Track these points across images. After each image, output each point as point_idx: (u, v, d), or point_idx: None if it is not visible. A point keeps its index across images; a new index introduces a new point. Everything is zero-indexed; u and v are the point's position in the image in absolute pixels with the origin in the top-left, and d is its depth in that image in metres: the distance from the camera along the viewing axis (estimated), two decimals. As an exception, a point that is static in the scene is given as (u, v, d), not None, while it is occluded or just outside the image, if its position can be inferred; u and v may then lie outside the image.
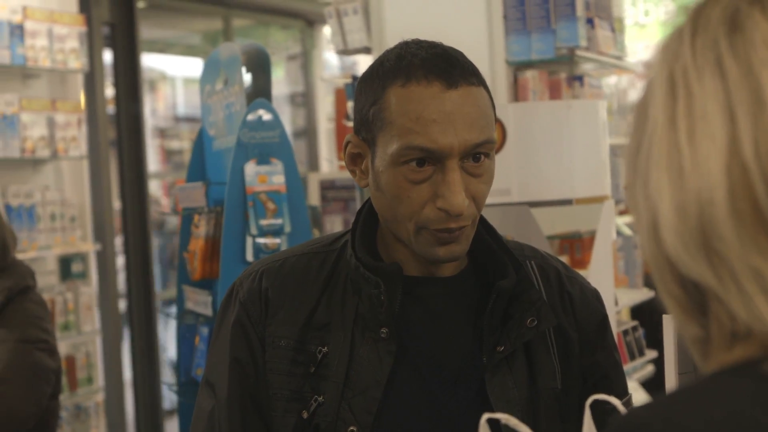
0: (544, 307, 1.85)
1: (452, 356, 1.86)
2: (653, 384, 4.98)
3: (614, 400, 1.56)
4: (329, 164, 8.22)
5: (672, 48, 0.97)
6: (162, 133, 9.88)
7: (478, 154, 1.78)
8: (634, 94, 6.26)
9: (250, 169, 3.50)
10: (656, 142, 0.95)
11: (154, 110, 9.78)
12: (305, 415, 1.82)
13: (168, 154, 9.85)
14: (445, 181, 1.76)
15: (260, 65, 3.78)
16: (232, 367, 1.88)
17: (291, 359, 1.85)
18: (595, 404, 1.89)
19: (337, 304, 1.87)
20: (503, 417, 1.31)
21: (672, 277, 0.96)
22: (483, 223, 1.91)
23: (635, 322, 4.43)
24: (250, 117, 3.51)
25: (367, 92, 1.83)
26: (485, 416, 1.32)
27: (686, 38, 0.96)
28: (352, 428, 1.81)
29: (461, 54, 1.83)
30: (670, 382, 1.73)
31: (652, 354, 4.52)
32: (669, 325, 1.73)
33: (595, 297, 1.99)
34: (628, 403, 1.91)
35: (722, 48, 0.93)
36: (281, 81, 9.46)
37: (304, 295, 1.88)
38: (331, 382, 1.83)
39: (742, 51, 0.93)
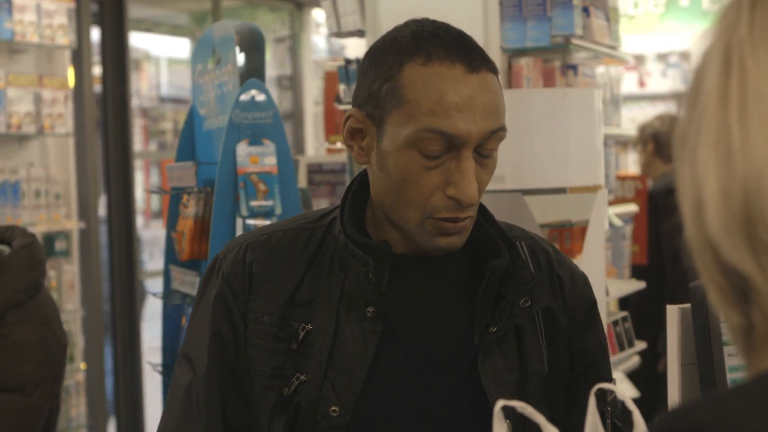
0: (537, 288, 1.82)
1: (441, 337, 1.82)
2: (638, 375, 4.98)
3: (619, 389, 1.55)
4: (316, 148, 8.19)
5: (730, 18, 0.91)
6: (145, 113, 9.84)
7: (488, 150, 1.75)
8: (626, 85, 6.26)
9: (242, 149, 3.47)
10: (706, 118, 0.89)
11: (137, 90, 9.72)
12: (286, 392, 1.78)
13: (150, 134, 9.81)
14: (459, 170, 1.72)
15: (254, 45, 3.75)
16: (213, 341, 1.83)
17: (274, 336, 1.81)
18: (583, 389, 1.88)
19: (322, 281, 1.83)
20: (519, 405, 1.28)
21: (714, 262, 0.91)
22: None
23: (625, 313, 4.42)
24: (243, 97, 3.48)
25: (380, 67, 1.77)
26: (500, 403, 1.29)
27: (745, 8, 0.90)
28: (333, 408, 1.77)
29: (473, 39, 1.80)
30: (673, 373, 1.72)
31: (641, 345, 4.51)
32: (673, 316, 1.72)
33: (584, 281, 1.97)
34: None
35: None
36: (268, 63, 9.40)
37: (289, 271, 1.84)
38: (314, 361, 1.79)
39: None
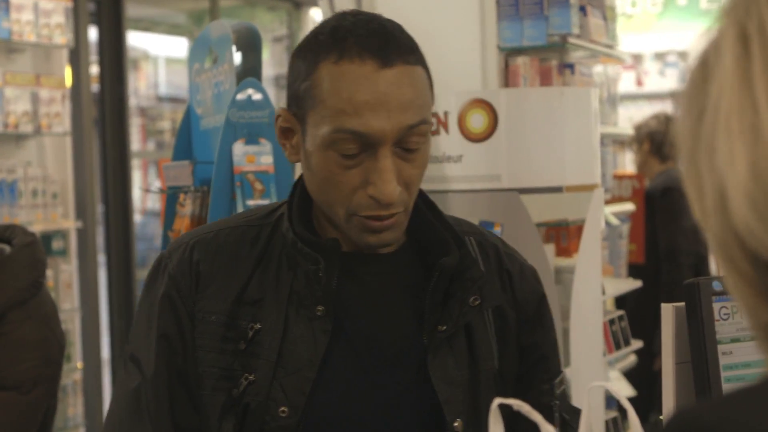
0: (486, 286, 1.81)
1: (391, 336, 1.81)
2: (635, 374, 4.98)
3: (611, 387, 1.55)
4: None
5: (742, 4, 0.89)
6: (143, 112, 9.83)
7: (412, 144, 1.72)
8: (622, 84, 6.26)
9: (239, 148, 3.47)
10: (725, 106, 0.87)
11: (135, 89, 9.72)
12: (235, 393, 1.76)
13: (149, 134, 9.80)
14: (376, 169, 1.70)
15: (251, 44, 3.75)
16: (160, 342, 1.80)
17: (222, 336, 1.78)
18: (533, 383, 1.88)
19: (270, 280, 1.80)
20: (515, 403, 1.28)
21: (742, 254, 0.87)
22: (423, 198, 1.86)
23: (621, 312, 4.42)
24: (240, 96, 3.48)
25: (300, 66, 1.75)
26: (497, 401, 1.29)
27: None
28: (282, 409, 1.74)
29: (400, 29, 1.76)
30: (668, 372, 1.72)
31: (637, 344, 4.51)
32: (668, 315, 1.72)
33: (533, 275, 1.95)
34: (561, 382, 1.91)
35: None
36: (266, 63, 9.40)
37: (236, 269, 1.81)
38: (263, 361, 1.76)
39: None
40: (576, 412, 1.87)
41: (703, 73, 0.91)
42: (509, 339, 1.87)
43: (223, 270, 1.81)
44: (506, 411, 1.79)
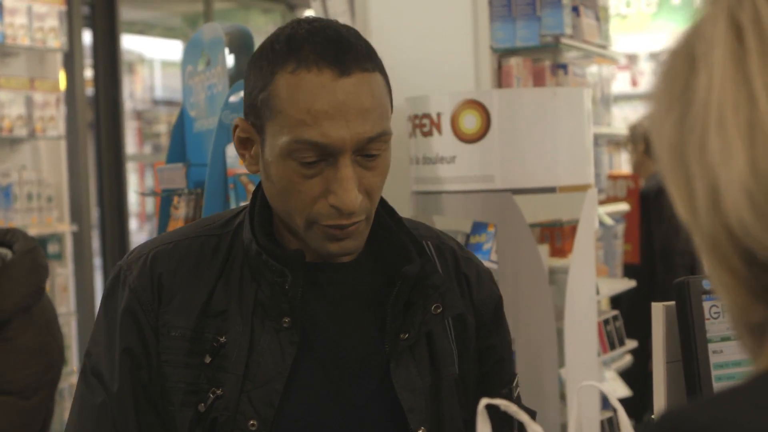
0: (448, 293, 1.80)
1: (355, 345, 1.79)
2: (630, 374, 4.98)
3: (602, 386, 1.55)
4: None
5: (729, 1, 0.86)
6: (139, 115, 9.83)
7: (373, 151, 1.70)
8: (617, 84, 6.26)
9: (232, 150, 3.47)
10: (717, 100, 0.84)
11: (131, 93, 9.72)
12: (202, 408, 1.74)
13: (145, 137, 9.80)
14: (337, 178, 1.68)
15: (243, 47, 3.75)
16: (123, 358, 1.77)
17: (187, 350, 1.75)
18: (490, 385, 1.89)
19: (234, 291, 1.77)
20: (502, 404, 1.28)
21: (735, 252, 0.85)
22: (383, 204, 1.85)
23: (616, 312, 4.42)
24: (233, 98, 3.48)
25: (256, 75, 1.73)
26: (484, 401, 1.29)
27: None
28: (252, 422, 1.73)
29: (356, 35, 1.74)
30: (659, 371, 1.72)
31: (631, 344, 4.51)
32: (658, 314, 1.72)
33: (490, 278, 1.95)
34: (517, 385, 1.92)
35: None
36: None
37: (199, 281, 1.78)
38: (230, 374, 1.74)
39: None
40: (532, 415, 1.87)
41: (687, 66, 0.88)
42: (469, 343, 1.87)
43: (186, 282, 1.79)
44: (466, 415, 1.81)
